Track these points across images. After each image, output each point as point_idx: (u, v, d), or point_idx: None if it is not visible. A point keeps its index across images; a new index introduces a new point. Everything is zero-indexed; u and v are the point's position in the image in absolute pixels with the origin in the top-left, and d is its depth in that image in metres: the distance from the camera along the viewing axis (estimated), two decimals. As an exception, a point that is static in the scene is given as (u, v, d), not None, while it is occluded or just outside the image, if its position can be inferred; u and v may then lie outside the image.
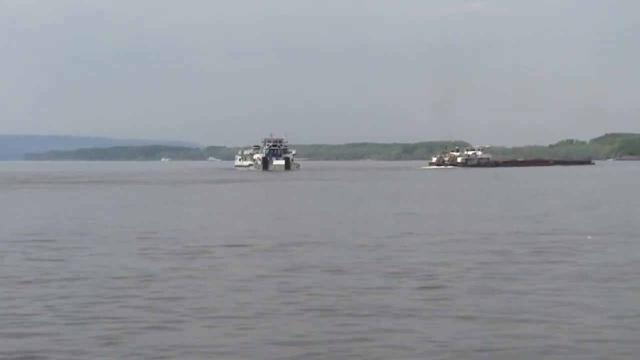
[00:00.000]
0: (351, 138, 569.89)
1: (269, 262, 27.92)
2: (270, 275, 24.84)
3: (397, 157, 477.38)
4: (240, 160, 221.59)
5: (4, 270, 26.18)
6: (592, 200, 63.01)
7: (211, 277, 24.65)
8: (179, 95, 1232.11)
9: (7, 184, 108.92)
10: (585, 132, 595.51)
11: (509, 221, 43.41)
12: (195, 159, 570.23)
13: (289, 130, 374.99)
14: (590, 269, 25.58)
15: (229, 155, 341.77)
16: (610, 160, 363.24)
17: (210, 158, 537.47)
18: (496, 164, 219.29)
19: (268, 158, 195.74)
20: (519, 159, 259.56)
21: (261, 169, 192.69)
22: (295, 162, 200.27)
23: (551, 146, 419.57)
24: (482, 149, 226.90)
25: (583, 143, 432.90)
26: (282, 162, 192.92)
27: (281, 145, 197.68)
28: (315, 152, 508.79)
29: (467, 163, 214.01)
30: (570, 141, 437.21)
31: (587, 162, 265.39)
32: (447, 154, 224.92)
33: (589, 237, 34.68)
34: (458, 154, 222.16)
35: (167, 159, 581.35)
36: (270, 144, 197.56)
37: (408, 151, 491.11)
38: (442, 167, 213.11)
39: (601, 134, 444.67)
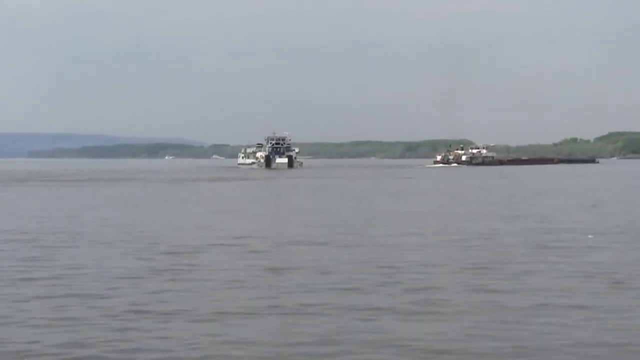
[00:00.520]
0: (354, 136, 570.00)
1: (257, 262, 27.16)
2: (254, 276, 24.24)
3: (401, 156, 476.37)
4: (243, 158, 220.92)
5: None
6: (596, 199, 62.19)
7: (193, 278, 24.01)
8: (183, 93, 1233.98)
9: (6, 182, 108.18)
10: (589, 131, 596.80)
11: (511, 220, 42.66)
12: (199, 157, 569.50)
13: (293, 128, 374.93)
14: (585, 269, 25.02)
15: (233, 153, 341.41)
16: (614, 158, 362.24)
17: (214, 156, 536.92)
18: (501, 163, 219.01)
19: (271, 156, 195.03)
20: (523, 158, 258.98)
21: (264, 167, 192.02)
22: (298, 160, 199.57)
23: (555, 145, 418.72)
24: (487, 148, 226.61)
25: (587, 142, 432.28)
26: (285, 160, 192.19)
27: (284, 143, 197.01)
28: (319, 150, 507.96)
29: (472, 161, 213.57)
30: (574, 140, 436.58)
31: (592, 160, 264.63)
32: (451, 153, 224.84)
33: (590, 236, 33.88)
34: (463, 152, 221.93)
35: (170, 157, 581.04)
36: (273, 142, 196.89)
37: (411, 149, 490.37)
38: (447, 165, 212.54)
39: (605, 132, 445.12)
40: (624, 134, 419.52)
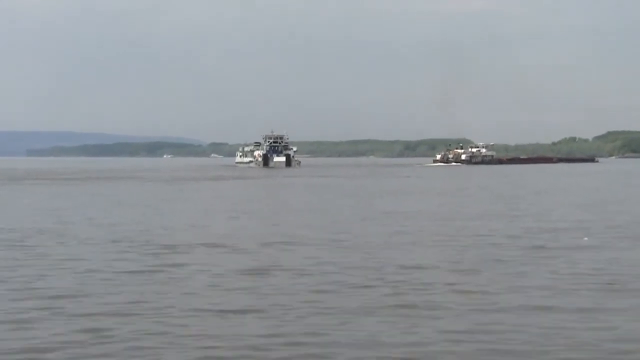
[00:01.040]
0: (353, 135, 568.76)
1: (239, 262, 26.38)
2: (231, 277, 23.56)
3: (399, 155, 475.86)
4: (240, 157, 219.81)
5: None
6: (596, 199, 61.43)
7: (170, 279, 23.28)
8: (182, 92, 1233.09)
9: (2, 181, 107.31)
10: (588, 130, 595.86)
11: (508, 219, 41.89)
12: (198, 155, 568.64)
13: (292, 127, 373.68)
14: (575, 272, 24.21)
15: (232, 152, 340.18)
16: (613, 158, 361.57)
17: (213, 155, 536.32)
18: (500, 162, 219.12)
19: (269, 155, 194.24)
20: (523, 157, 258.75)
21: (261, 165, 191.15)
22: (296, 158, 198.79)
23: (554, 144, 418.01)
24: (487, 147, 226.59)
25: (585, 141, 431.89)
26: (283, 158, 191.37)
27: (282, 141, 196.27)
28: (317, 149, 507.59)
29: (472, 160, 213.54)
30: (573, 139, 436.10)
31: (591, 159, 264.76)
32: (451, 152, 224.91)
33: (585, 238, 33.07)
34: (462, 151, 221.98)
35: (169, 156, 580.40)
36: (271, 141, 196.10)
37: (410, 148, 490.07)
38: (447, 164, 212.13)
39: (603, 131, 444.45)
40: (622, 133, 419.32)
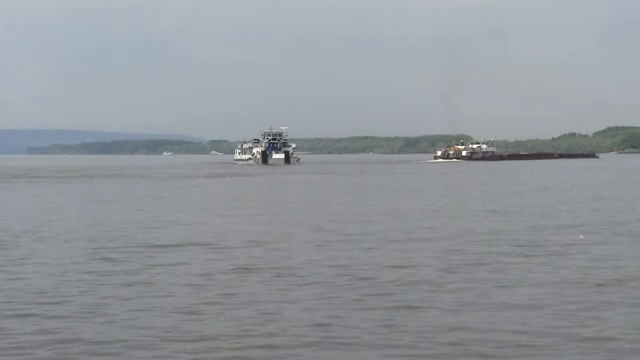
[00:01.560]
0: (353, 132, 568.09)
1: (217, 263, 25.23)
2: (206, 279, 22.47)
3: (400, 151, 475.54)
4: (239, 154, 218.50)
5: None
6: (596, 195, 60.18)
7: (135, 281, 22.16)
8: (181, 89, 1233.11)
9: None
10: (587, 126, 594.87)
11: (507, 216, 40.56)
12: (198, 152, 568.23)
13: (292, 124, 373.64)
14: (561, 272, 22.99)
15: (231, 149, 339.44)
16: (613, 153, 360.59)
17: (212, 152, 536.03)
18: (501, 158, 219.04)
19: (267, 152, 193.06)
20: (523, 152, 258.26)
21: (260, 162, 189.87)
22: (295, 155, 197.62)
23: (553, 139, 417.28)
24: (487, 143, 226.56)
25: (585, 136, 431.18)
26: (282, 155, 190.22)
27: (281, 138, 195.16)
28: (317, 145, 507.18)
29: (472, 156, 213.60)
30: (573, 134, 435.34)
31: (592, 155, 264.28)
32: (452, 148, 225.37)
33: (581, 236, 31.78)
34: (463, 147, 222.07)
35: (169, 153, 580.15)
36: (270, 138, 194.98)
37: (410, 145, 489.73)
38: (448, 160, 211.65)
39: (603, 127, 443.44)
40: (622, 128, 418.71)
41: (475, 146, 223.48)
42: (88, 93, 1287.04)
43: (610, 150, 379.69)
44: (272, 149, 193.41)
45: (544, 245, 29.14)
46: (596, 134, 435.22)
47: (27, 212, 47.78)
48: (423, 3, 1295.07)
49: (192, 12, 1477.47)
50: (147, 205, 53.08)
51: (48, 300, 19.71)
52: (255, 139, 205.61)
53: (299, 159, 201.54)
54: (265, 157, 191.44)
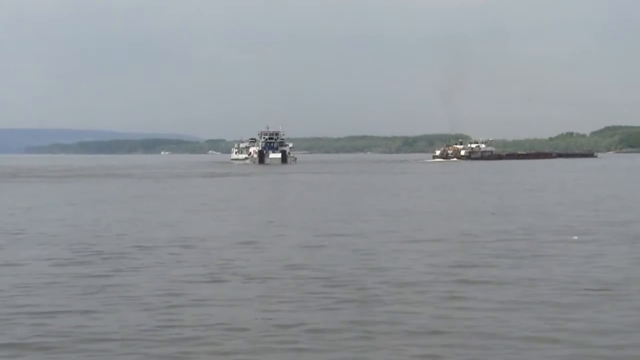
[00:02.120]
0: (351, 131, 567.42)
1: (198, 265, 24.80)
2: (182, 282, 21.98)
3: (398, 150, 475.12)
4: (236, 153, 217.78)
5: None
6: (594, 195, 59.66)
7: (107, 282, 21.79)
8: (180, 89, 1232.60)
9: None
10: (585, 125, 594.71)
11: (502, 217, 39.98)
12: (196, 152, 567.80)
13: (289, 123, 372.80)
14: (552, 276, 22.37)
15: (229, 148, 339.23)
16: (611, 153, 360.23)
17: (210, 151, 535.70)
18: (499, 157, 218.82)
19: (264, 151, 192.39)
20: (521, 152, 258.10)
21: (257, 162, 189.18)
22: (292, 155, 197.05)
23: (551, 139, 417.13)
24: (486, 142, 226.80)
25: (583, 136, 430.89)
26: (279, 155, 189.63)
27: (277, 138, 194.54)
28: (315, 145, 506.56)
29: (471, 156, 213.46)
30: (570, 134, 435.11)
31: (590, 154, 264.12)
32: (450, 147, 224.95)
33: (575, 237, 31.22)
34: (462, 147, 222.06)
35: (167, 153, 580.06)
36: (267, 137, 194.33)
37: (408, 144, 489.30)
38: (447, 160, 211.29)
39: (601, 126, 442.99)
40: (620, 128, 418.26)
41: (473, 146, 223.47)
42: (87, 93, 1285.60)
43: (608, 150, 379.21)
44: (268, 149, 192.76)
45: (536, 248, 28.58)
46: (594, 133, 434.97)
47: (16, 211, 47.22)
48: (423, 3, 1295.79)
49: (192, 12, 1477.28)
50: (145, 206, 52.28)
51: None
52: (252, 139, 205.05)
53: (295, 158, 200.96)
54: (261, 156, 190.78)
